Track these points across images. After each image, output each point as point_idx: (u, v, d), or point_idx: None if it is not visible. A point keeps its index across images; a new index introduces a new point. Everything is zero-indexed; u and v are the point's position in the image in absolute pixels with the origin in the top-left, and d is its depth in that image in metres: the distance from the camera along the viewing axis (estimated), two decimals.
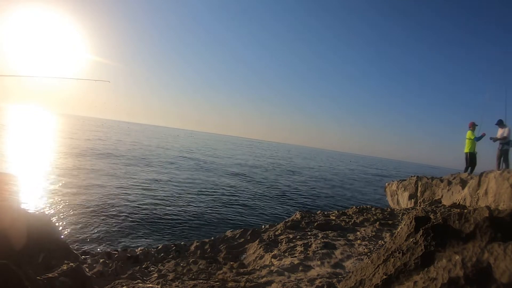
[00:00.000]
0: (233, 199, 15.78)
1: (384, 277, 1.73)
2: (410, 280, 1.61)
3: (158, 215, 11.26)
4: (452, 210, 7.61)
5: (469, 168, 9.77)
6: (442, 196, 9.28)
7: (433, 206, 8.82)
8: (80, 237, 8.45)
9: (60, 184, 13.89)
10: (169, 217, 11.26)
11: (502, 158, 9.20)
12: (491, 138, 9.35)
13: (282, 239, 6.28)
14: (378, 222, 7.20)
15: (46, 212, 9.15)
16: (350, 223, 7.37)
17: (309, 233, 6.55)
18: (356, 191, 25.92)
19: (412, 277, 1.62)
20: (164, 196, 14.38)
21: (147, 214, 11.26)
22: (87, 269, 4.55)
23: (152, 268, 5.37)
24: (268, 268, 4.71)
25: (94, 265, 5.13)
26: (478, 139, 9.46)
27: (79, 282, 3.66)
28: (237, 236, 7.05)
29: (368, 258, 4.20)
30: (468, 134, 9.61)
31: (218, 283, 4.07)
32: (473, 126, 9.60)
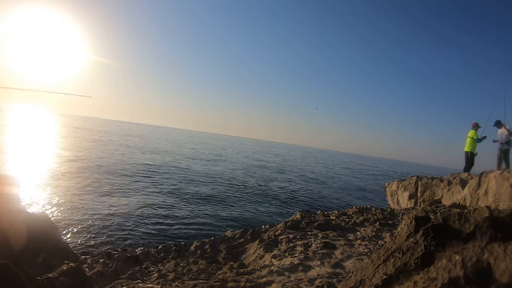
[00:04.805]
0: (234, 199, 15.78)
1: (384, 277, 1.73)
2: (410, 280, 1.61)
3: (158, 215, 11.26)
4: (452, 210, 7.61)
5: (467, 167, 9.82)
6: (442, 196, 9.28)
7: (433, 206, 8.81)
8: (80, 237, 8.45)
9: (60, 184, 13.89)
10: (169, 217, 11.26)
11: (502, 158, 9.22)
12: (493, 141, 9.41)
13: (282, 239, 6.28)
14: (378, 222, 7.20)
15: (46, 212, 9.15)
16: (350, 223, 7.37)
17: (309, 233, 6.55)
18: (356, 191, 25.91)
19: (412, 277, 1.62)
20: (164, 196, 14.38)
21: (147, 214, 11.25)
22: (87, 269, 4.55)
23: (152, 268, 5.37)
24: (268, 268, 4.71)
25: (94, 265, 5.13)
26: (479, 140, 9.51)
27: (79, 282, 3.66)
28: (237, 236, 7.05)
29: (368, 258, 4.20)
30: (471, 133, 9.65)
31: (218, 283, 4.07)
32: (476, 127, 9.65)
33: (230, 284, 4.01)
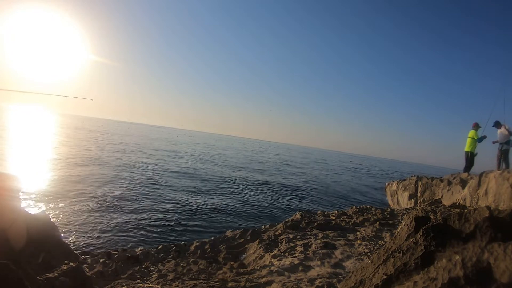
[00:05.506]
0: (233, 198, 15.78)
1: (384, 277, 1.73)
2: (410, 280, 1.61)
3: (158, 215, 11.25)
4: (452, 210, 7.62)
5: (467, 167, 9.85)
6: (442, 196, 9.28)
7: (433, 206, 8.82)
8: (80, 237, 8.45)
9: (60, 184, 13.88)
10: (169, 216, 11.26)
11: (502, 158, 9.24)
12: (493, 142, 9.46)
13: (282, 239, 6.28)
14: (378, 222, 7.20)
15: (46, 212, 9.15)
16: (350, 223, 7.37)
17: (309, 233, 6.56)
18: (356, 191, 25.90)
19: (412, 277, 1.62)
20: (164, 195, 14.38)
21: (148, 214, 11.26)
22: (87, 269, 4.55)
23: (152, 268, 5.37)
24: (268, 268, 4.71)
25: (94, 265, 5.13)
26: (480, 140, 9.56)
27: (79, 282, 3.66)
28: (237, 236, 7.06)
29: (368, 258, 4.20)
30: (471, 133, 9.70)
31: (218, 283, 4.08)
32: (476, 127, 9.70)
33: (230, 284, 4.01)
